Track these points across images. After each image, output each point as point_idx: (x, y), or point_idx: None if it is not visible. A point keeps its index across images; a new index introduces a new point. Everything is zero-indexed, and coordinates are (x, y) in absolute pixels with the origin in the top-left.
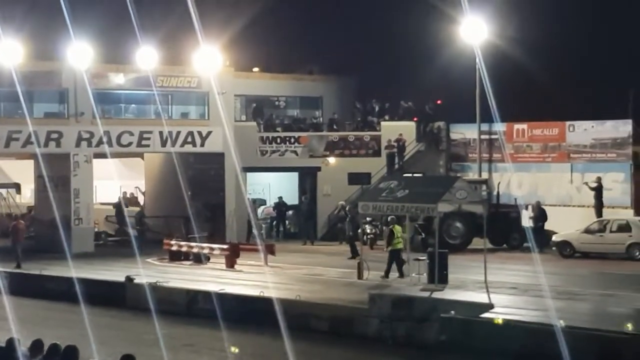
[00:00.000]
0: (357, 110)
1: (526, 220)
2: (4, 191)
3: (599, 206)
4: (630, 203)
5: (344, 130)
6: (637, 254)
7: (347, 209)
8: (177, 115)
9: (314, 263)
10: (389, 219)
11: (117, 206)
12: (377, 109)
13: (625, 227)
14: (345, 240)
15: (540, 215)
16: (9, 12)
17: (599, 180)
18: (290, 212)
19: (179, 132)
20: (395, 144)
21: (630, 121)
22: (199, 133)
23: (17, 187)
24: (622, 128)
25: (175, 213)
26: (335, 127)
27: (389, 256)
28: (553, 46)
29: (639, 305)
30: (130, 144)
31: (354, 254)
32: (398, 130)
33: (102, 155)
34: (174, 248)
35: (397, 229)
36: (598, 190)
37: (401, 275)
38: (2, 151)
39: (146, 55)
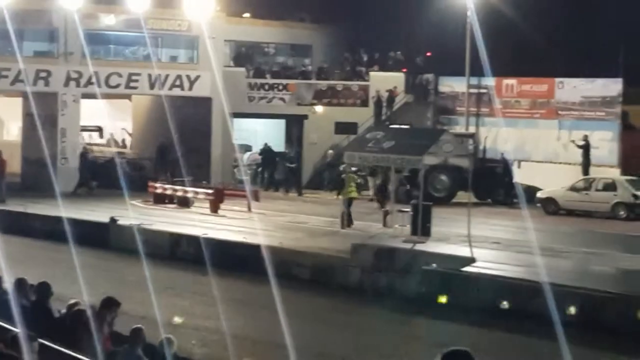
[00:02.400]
0: (346, 60)
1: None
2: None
3: (585, 164)
4: (617, 162)
5: (333, 79)
6: (622, 213)
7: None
8: (166, 59)
9: (298, 211)
10: (346, 168)
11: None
12: (366, 59)
13: (610, 186)
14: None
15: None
16: None
17: (586, 138)
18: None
19: (167, 75)
20: (384, 95)
21: (620, 80)
22: (188, 77)
23: (100, 130)
24: (612, 86)
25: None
26: (324, 76)
27: (343, 204)
28: (545, 1)
29: (622, 265)
30: (118, 85)
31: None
32: (387, 80)
33: (91, 96)
34: (159, 191)
35: (350, 177)
36: (585, 148)
37: (346, 224)
38: None
39: None
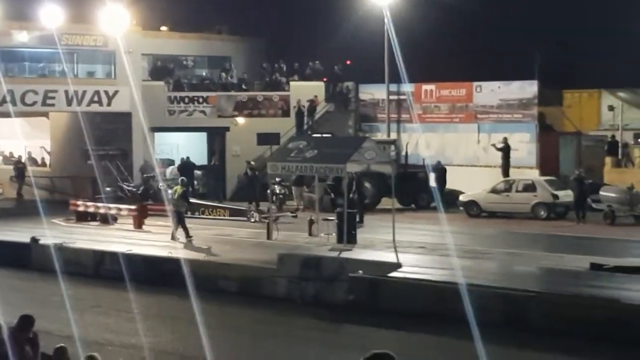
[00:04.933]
0: (265, 71)
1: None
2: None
3: (505, 166)
4: (536, 163)
5: (253, 91)
6: (542, 213)
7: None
8: (83, 74)
9: (223, 224)
10: (179, 180)
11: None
12: (285, 69)
13: (530, 187)
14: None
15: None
16: None
17: (505, 140)
18: (199, 172)
19: (85, 92)
20: (305, 105)
21: (535, 82)
22: (106, 92)
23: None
24: (528, 89)
25: (81, 173)
26: (244, 87)
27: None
28: (461, 6)
29: (544, 264)
30: (34, 103)
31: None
32: (307, 90)
33: (6, 115)
34: (81, 208)
35: (178, 189)
36: (505, 150)
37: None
38: None
39: (51, 13)
